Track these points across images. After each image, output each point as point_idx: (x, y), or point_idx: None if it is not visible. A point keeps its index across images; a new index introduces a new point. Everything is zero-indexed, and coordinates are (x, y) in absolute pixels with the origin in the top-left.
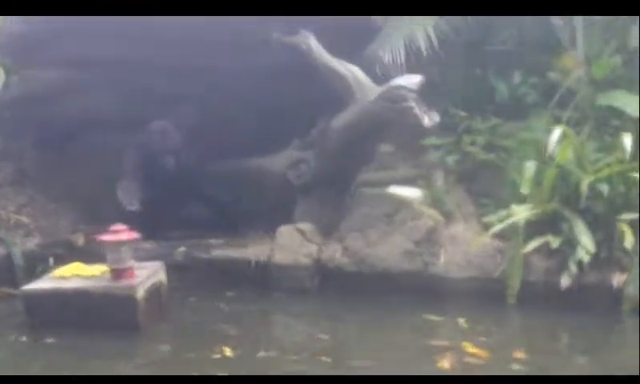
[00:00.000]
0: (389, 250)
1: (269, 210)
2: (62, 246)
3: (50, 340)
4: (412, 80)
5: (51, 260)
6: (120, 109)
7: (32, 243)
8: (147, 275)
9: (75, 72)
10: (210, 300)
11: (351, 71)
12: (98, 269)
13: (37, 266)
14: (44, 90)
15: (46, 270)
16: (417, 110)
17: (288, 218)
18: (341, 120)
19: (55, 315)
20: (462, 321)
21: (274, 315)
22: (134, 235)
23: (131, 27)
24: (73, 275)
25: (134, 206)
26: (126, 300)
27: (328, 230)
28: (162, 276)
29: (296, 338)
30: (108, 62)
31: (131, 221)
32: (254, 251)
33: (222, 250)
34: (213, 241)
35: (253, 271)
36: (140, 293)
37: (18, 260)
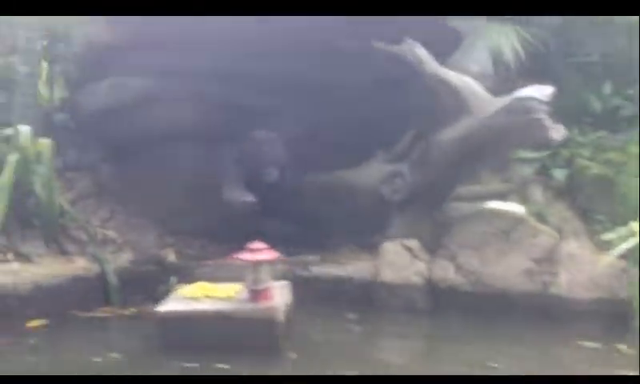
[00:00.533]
0: (507, 269)
1: (359, 224)
2: (153, 262)
3: (220, 365)
4: (543, 91)
5: (173, 279)
6: (207, 120)
7: (123, 260)
8: (280, 295)
9: (162, 81)
10: (331, 320)
11: (465, 82)
12: (231, 289)
13: (133, 283)
14: (133, 99)
15: (168, 289)
16: (547, 123)
17: (380, 233)
18: (454, 132)
19: (192, 338)
20: (624, 347)
21: (415, 337)
22: (274, 254)
23: (222, 38)
24: (203, 296)
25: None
26: (268, 323)
27: (429, 247)
28: (289, 296)
29: (466, 364)
30: (197, 72)
31: (220, 234)
32: (353, 269)
33: (320, 267)
34: (309, 257)
35: (356, 289)
36: (281, 315)
37: (112, 278)
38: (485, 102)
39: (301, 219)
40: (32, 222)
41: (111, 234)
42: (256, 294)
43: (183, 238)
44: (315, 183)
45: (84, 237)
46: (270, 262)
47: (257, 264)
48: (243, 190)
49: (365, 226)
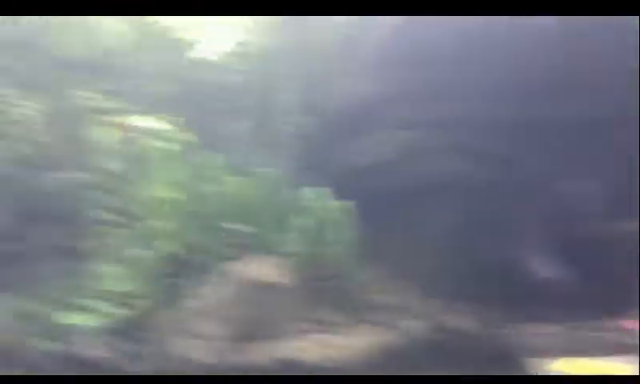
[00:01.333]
0: None
1: None
2: (444, 330)
3: None
4: None
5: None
6: (477, 173)
7: (418, 327)
8: None
9: (429, 133)
10: None
11: None
12: (613, 366)
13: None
14: (397, 153)
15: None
16: None
17: None
18: None
19: None
20: None
21: None
22: None
23: (491, 83)
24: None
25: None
26: None
27: None
28: None
29: None
30: (465, 122)
31: (494, 296)
32: None
33: None
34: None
35: None
36: None
37: (414, 347)
38: None
39: (610, 276)
40: (325, 288)
41: (390, 299)
42: None
43: (454, 301)
44: (615, 234)
45: (369, 302)
46: None
47: None
48: (547, 258)
49: None
